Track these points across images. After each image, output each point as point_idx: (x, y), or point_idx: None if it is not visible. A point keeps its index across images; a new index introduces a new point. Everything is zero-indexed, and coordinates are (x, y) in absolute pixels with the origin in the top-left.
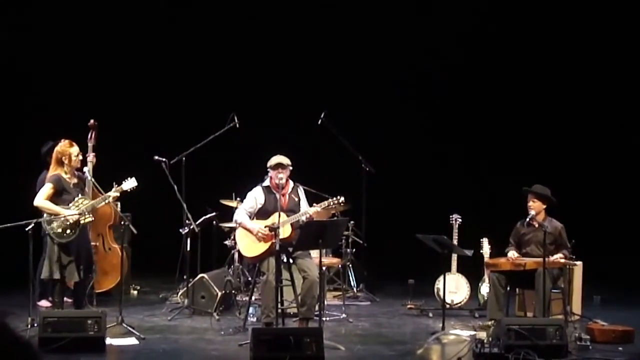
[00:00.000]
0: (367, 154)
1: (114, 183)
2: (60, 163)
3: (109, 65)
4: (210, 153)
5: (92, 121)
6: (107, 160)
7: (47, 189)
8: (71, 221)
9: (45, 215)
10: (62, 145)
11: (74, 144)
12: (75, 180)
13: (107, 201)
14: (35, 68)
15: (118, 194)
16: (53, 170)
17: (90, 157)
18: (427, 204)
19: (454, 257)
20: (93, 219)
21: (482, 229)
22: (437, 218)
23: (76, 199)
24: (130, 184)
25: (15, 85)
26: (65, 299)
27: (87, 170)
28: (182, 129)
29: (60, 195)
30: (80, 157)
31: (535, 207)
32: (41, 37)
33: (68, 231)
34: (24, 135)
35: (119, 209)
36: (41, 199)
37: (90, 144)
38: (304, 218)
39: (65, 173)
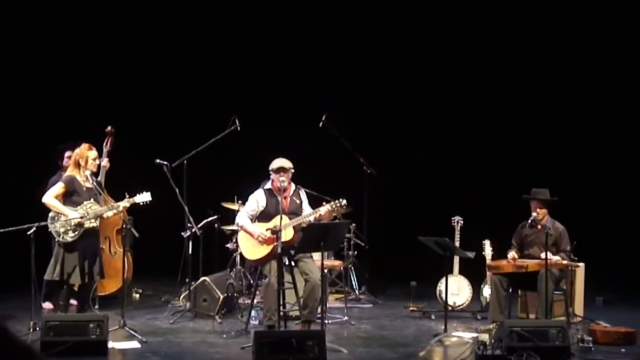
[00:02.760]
0: (369, 156)
1: (126, 194)
2: (77, 165)
3: (108, 68)
4: (211, 156)
5: (109, 127)
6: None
7: (57, 188)
8: (73, 223)
9: (50, 213)
10: (82, 148)
11: (92, 147)
12: (89, 185)
13: (115, 211)
14: (35, 69)
15: (128, 205)
16: (70, 172)
17: (104, 162)
18: (428, 206)
19: (456, 259)
20: (98, 225)
21: (483, 231)
22: (438, 220)
23: (85, 202)
24: (143, 197)
25: (16, 87)
26: (71, 301)
27: (96, 174)
28: (183, 132)
29: (70, 196)
30: (98, 162)
31: (542, 213)
32: (43, 39)
33: (70, 232)
34: (28, 138)
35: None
36: (50, 197)
37: (105, 150)
38: (311, 218)
39: (81, 176)
